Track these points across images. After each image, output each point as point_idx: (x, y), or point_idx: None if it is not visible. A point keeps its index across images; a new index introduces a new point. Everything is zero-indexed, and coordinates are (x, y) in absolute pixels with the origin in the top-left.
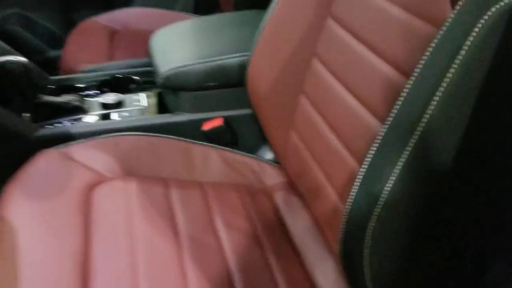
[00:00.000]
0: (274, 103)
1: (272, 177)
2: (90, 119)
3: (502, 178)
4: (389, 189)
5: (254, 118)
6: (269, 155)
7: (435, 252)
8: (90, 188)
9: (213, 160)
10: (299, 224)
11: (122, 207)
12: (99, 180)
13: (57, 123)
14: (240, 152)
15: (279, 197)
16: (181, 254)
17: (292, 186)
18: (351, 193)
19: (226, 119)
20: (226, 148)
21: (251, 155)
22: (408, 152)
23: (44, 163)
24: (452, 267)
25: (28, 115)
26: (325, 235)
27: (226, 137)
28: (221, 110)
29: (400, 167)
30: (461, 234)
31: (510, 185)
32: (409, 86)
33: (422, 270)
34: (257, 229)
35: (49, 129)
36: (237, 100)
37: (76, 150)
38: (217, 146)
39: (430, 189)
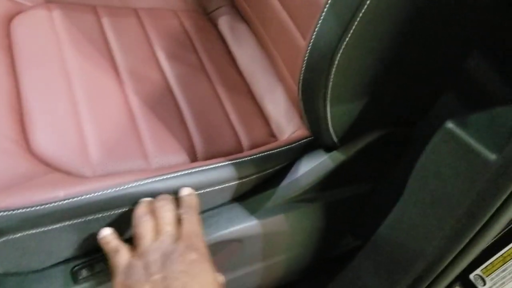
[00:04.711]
0: None
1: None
2: None
3: None
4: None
5: None
6: None
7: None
8: (8, 20)
9: None
10: (246, 53)
11: (49, 40)
12: (17, 10)
13: None
14: None
15: (224, 23)
16: (123, 88)
17: (238, 11)
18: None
19: None
20: None
21: None
22: None
23: None
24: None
25: None
26: (277, 65)
27: None
28: None
29: None
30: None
31: None
32: None
33: (380, 111)
34: (202, 59)
35: None
36: None
37: None
38: None
39: None
